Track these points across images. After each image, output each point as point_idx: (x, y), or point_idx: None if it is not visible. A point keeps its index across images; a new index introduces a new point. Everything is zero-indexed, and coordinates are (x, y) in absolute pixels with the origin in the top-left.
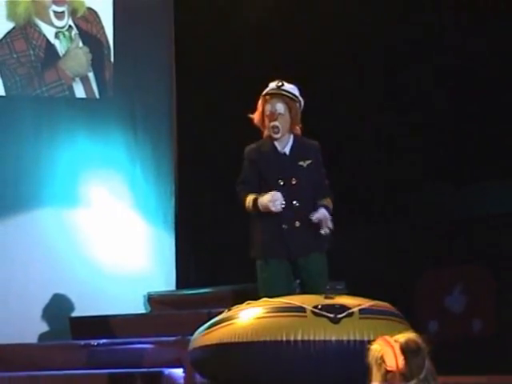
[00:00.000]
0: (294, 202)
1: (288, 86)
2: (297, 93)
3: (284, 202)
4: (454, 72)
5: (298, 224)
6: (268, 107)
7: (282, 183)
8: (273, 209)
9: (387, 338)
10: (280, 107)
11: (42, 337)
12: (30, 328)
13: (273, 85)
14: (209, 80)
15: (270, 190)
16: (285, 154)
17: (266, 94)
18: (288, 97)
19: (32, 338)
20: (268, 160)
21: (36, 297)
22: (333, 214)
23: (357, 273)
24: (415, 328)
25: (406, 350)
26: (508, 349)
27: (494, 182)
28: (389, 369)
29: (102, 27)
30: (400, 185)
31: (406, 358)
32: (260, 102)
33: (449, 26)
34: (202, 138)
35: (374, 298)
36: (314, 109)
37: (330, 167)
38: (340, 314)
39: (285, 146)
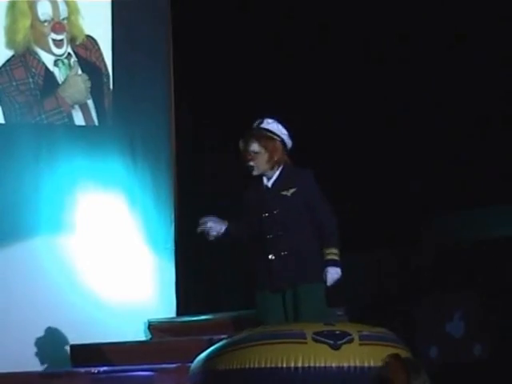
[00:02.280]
0: (280, 233)
1: (267, 123)
2: (277, 129)
3: (212, 229)
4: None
5: (284, 253)
6: (242, 146)
7: (266, 215)
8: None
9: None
10: (254, 147)
11: (42, 365)
12: (30, 356)
13: (255, 123)
14: (208, 108)
15: (256, 225)
16: (268, 187)
17: (244, 134)
18: (264, 135)
19: (32, 367)
20: (253, 196)
21: (36, 325)
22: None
23: (357, 299)
24: (416, 354)
25: (408, 367)
26: (508, 374)
27: (491, 207)
28: None
29: (101, 55)
30: (399, 210)
31: (408, 376)
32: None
33: None
34: (201, 165)
35: (374, 324)
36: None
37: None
38: (340, 340)
39: (269, 179)
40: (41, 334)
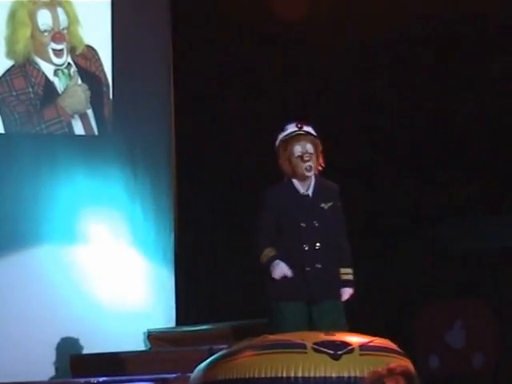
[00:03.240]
0: (317, 245)
1: (308, 128)
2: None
3: (288, 272)
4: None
5: (319, 266)
6: (298, 148)
7: (304, 225)
8: (272, 272)
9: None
10: (309, 147)
11: (42, 375)
12: (30, 366)
13: (292, 127)
14: (209, 116)
15: (292, 232)
16: (307, 195)
17: (293, 135)
18: (313, 136)
19: (32, 377)
20: (290, 203)
21: (35, 334)
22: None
23: (356, 309)
24: (416, 364)
25: (408, 379)
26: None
27: (491, 217)
28: None
29: (101, 64)
30: (397, 220)
31: None
32: (283, 145)
33: None
34: (201, 175)
35: (374, 334)
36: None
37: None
38: (340, 350)
39: (307, 187)
40: (41, 343)
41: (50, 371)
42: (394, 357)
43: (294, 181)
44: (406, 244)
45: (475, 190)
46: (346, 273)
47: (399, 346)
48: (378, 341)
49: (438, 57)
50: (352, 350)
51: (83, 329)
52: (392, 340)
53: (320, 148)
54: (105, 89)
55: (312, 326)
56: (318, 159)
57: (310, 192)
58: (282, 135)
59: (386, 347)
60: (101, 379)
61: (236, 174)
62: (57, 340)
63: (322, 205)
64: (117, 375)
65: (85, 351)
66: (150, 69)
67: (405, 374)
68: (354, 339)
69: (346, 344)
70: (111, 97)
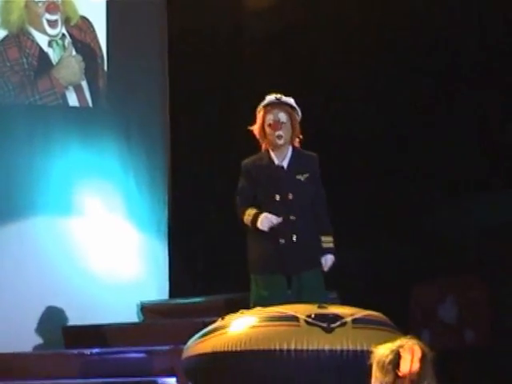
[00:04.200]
0: (292, 217)
1: (286, 98)
2: (295, 104)
3: (275, 220)
4: None
5: (295, 238)
6: (270, 117)
7: (278, 198)
8: (260, 226)
9: (407, 343)
10: (282, 116)
11: (35, 346)
12: (23, 337)
13: (271, 97)
14: (204, 89)
15: (266, 204)
16: (282, 167)
17: (267, 104)
18: (290, 106)
19: (25, 347)
20: (265, 173)
21: (29, 306)
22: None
23: (350, 283)
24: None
25: (424, 356)
26: (500, 358)
27: (485, 193)
28: (400, 374)
29: (96, 36)
30: (394, 196)
31: (421, 364)
32: (260, 113)
33: None
34: (195, 147)
35: (366, 308)
36: None
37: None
38: (333, 323)
39: (283, 158)
40: (34, 315)
41: (43, 342)
42: (387, 330)
43: (271, 152)
44: (399, 220)
45: (466, 168)
46: (327, 241)
47: (392, 320)
48: (370, 314)
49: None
50: (345, 323)
51: (76, 300)
52: (385, 314)
53: (297, 119)
54: (99, 61)
55: (291, 299)
56: (294, 130)
57: (285, 163)
58: (260, 105)
59: (378, 320)
60: (94, 350)
61: (232, 147)
62: (49, 311)
63: (298, 176)
64: (110, 347)
65: (78, 323)
66: (144, 41)
67: (419, 343)
68: (347, 312)
69: (338, 317)
70: (106, 69)
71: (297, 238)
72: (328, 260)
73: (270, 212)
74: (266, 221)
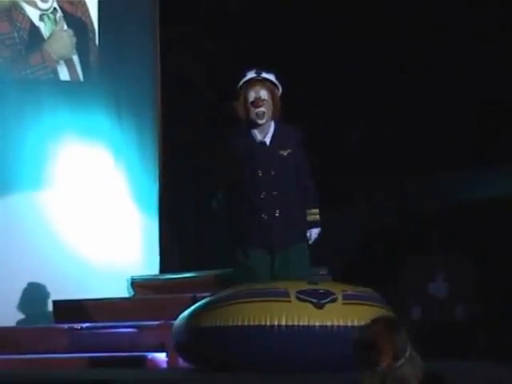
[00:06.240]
0: (274, 193)
1: (266, 74)
2: (276, 80)
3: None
4: None
5: (277, 214)
6: (252, 94)
7: (260, 174)
8: None
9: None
10: (264, 93)
11: (25, 320)
12: (12, 312)
13: (251, 73)
14: (194, 64)
15: (249, 181)
16: (264, 143)
17: (248, 81)
18: (271, 82)
19: (15, 322)
20: (246, 151)
21: (18, 281)
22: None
23: (340, 259)
24: (398, 314)
25: (391, 328)
26: (490, 335)
27: (476, 169)
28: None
29: (87, 10)
30: (383, 172)
31: (392, 337)
32: (240, 91)
33: None
34: (186, 124)
35: (357, 284)
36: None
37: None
38: (324, 299)
39: (265, 134)
40: (24, 289)
41: (33, 317)
42: (377, 306)
43: (253, 128)
44: (391, 196)
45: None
46: (312, 213)
47: (382, 296)
48: (361, 290)
49: None
50: (335, 299)
51: (66, 275)
52: (375, 290)
53: (277, 96)
54: (90, 35)
55: (276, 274)
56: (275, 106)
57: (267, 139)
58: (241, 81)
59: (369, 296)
60: (83, 325)
61: (223, 123)
62: (40, 286)
63: (281, 152)
64: (100, 322)
65: (68, 297)
66: (135, 16)
67: (387, 321)
68: (338, 288)
69: (329, 293)
70: (97, 43)
71: (279, 214)
72: (313, 233)
73: (252, 188)
74: None
